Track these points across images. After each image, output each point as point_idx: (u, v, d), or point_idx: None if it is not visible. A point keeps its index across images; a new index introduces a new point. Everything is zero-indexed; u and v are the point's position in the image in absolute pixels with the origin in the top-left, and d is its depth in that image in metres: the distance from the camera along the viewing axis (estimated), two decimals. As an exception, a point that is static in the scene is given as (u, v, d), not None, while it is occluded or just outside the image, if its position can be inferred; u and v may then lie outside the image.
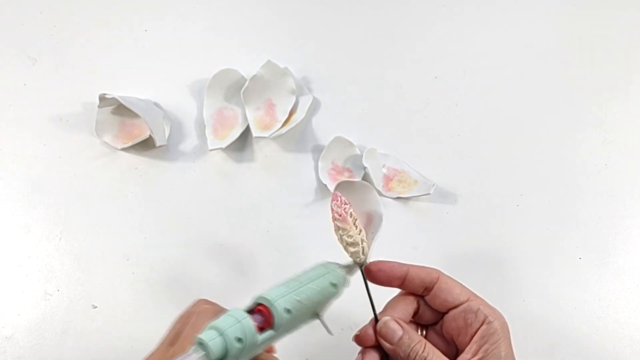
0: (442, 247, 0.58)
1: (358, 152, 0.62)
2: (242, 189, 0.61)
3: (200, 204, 0.60)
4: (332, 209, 0.41)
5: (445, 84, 0.66)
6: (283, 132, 0.61)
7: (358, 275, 0.42)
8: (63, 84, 0.65)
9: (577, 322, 0.55)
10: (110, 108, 0.62)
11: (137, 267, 0.57)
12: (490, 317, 0.39)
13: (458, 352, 0.40)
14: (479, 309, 0.39)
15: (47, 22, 0.68)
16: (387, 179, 0.62)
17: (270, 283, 0.38)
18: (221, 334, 0.34)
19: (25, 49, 0.67)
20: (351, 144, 0.62)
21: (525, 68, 0.67)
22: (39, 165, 0.61)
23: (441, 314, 0.41)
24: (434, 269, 0.41)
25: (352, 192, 0.42)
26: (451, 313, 0.40)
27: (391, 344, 0.39)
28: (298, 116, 0.62)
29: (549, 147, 0.63)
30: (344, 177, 0.61)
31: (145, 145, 0.62)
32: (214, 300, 0.44)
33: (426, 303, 0.42)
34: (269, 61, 0.63)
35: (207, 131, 0.62)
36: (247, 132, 0.63)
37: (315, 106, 0.65)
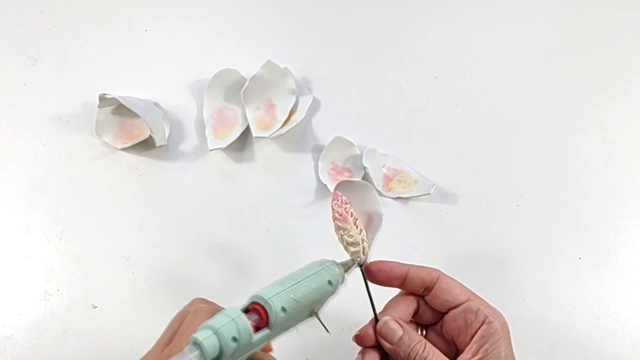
0: (442, 247, 0.58)
1: (358, 152, 0.62)
2: (242, 189, 0.61)
3: (200, 204, 0.60)
4: (332, 209, 0.41)
5: (445, 84, 0.66)
6: (283, 132, 0.61)
7: (358, 275, 0.42)
8: (63, 84, 0.65)
9: (577, 322, 0.55)
10: (110, 108, 0.62)
11: (137, 267, 0.57)
12: (490, 317, 0.39)
13: (458, 352, 0.40)
14: (479, 309, 0.39)
15: (47, 22, 0.68)
16: (387, 179, 0.62)
17: (270, 282, 0.38)
18: (216, 333, 0.33)
19: (25, 49, 0.67)
20: (351, 144, 0.62)
21: (525, 68, 0.67)
22: (39, 165, 0.61)
23: (441, 314, 0.41)
24: (434, 269, 0.41)
25: (352, 191, 0.42)
26: (451, 313, 0.40)
27: (391, 343, 0.39)
28: (298, 116, 0.62)
29: (549, 147, 0.63)
30: (344, 177, 0.61)
31: (145, 145, 0.62)
32: (213, 300, 0.44)
33: (426, 303, 0.42)
34: (269, 61, 0.63)
35: (207, 131, 0.62)
36: (247, 132, 0.63)
37: (315, 106, 0.65)
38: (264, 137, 0.61)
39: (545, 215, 0.60)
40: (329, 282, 0.39)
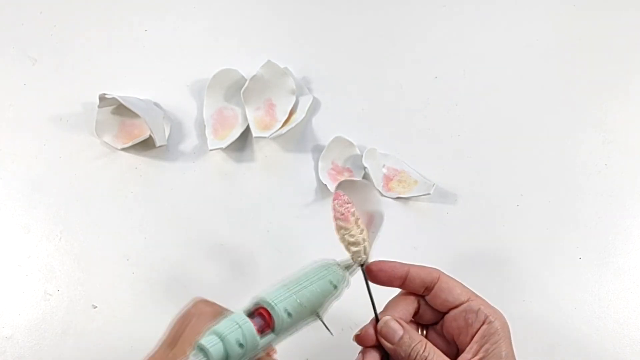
0: (442, 247, 0.58)
1: (358, 152, 0.62)
2: (242, 189, 0.61)
3: (200, 204, 0.60)
4: (334, 208, 0.41)
5: (445, 84, 0.66)
6: (283, 132, 0.61)
7: (358, 275, 0.42)
8: (63, 84, 0.65)
9: (577, 322, 0.55)
10: (110, 108, 0.62)
11: (137, 267, 0.57)
12: (490, 317, 0.39)
13: (458, 352, 0.40)
14: (479, 308, 0.39)
15: (47, 22, 0.68)
16: (387, 179, 0.62)
17: (270, 283, 0.38)
18: (222, 339, 0.33)
19: (25, 49, 0.67)
20: (351, 144, 0.62)
21: (525, 68, 0.67)
22: (39, 165, 0.61)
23: (442, 314, 0.41)
24: (434, 268, 0.41)
25: (353, 191, 0.42)
26: (452, 313, 0.40)
27: (392, 343, 0.39)
28: (298, 116, 0.62)
29: (549, 147, 0.63)
30: (344, 177, 0.61)
31: (145, 145, 0.62)
32: (214, 300, 0.44)
33: (427, 303, 0.42)
34: (269, 61, 0.63)
35: (207, 131, 0.62)
36: (247, 132, 0.63)
37: (315, 106, 0.65)
38: (264, 137, 0.61)
39: (545, 215, 0.60)
40: (334, 286, 0.39)
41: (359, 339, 0.41)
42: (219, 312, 0.40)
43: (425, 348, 0.38)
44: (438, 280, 0.41)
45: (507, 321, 0.40)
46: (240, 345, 0.34)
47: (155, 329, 0.42)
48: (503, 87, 0.66)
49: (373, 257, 0.42)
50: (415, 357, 0.38)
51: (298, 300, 0.37)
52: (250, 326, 0.35)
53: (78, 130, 0.63)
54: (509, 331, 0.39)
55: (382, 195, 0.60)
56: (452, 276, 0.41)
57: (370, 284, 0.42)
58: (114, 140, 0.62)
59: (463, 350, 0.39)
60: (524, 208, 0.60)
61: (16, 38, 0.67)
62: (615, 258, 0.58)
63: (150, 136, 0.60)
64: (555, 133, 0.64)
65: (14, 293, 0.56)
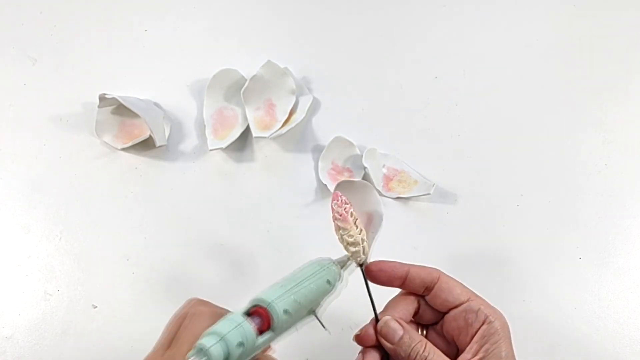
0: (442, 247, 0.58)
1: (358, 152, 0.62)
2: (242, 189, 0.61)
3: (200, 204, 0.60)
4: (332, 209, 0.41)
5: (445, 84, 0.66)
6: (283, 132, 0.61)
7: (358, 275, 0.42)
8: (63, 84, 0.65)
9: (577, 322, 0.55)
10: (110, 108, 0.62)
11: (137, 267, 0.57)
12: (490, 317, 0.39)
13: (458, 352, 0.40)
14: (479, 308, 0.39)
15: (47, 22, 0.68)
16: (387, 179, 0.62)
17: (270, 283, 0.38)
18: (222, 339, 0.33)
19: (25, 49, 0.67)
20: (351, 144, 0.62)
21: (525, 68, 0.67)
22: (39, 165, 0.61)
23: (442, 314, 0.41)
24: (434, 268, 0.41)
25: (352, 191, 0.42)
26: (452, 313, 0.40)
27: (392, 343, 0.39)
28: (298, 116, 0.62)
29: (549, 147, 0.63)
30: (344, 177, 0.61)
31: (145, 145, 0.62)
32: (213, 300, 0.44)
33: (427, 303, 0.42)
34: (269, 61, 0.63)
35: (207, 131, 0.62)
36: (247, 132, 0.63)
37: (315, 106, 0.65)
38: (264, 137, 0.61)
39: (545, 215, 0.60)
40: (328, 282, 0.39)
41: (359, 339, 0.41)
42: (215, 312, 0.40)
43: (425, 348, 0.38)
44: (438, 280, 0.41)
45: (507, 321, 0.40)
46: (240, 344, 0.34)
47: (155, 329, 0.42)
48: (503, 87, 0.66)
49: (373, 257, 0.42)
50: (415, 357, 0.38)
51: (295, 298, 0.37)
52: (248, 326, 0.35)
53: (78, 130, 0.63)
54: (509, 331, 0.39)
55: (382, 195, 0.60)
56: (452, 276, 0.41)
57: (370, 284, 0.42)
58: (114, 140, 0.62)
59: (463, 350, 0.39)
60: (524, 208, 0.60)
61: (16, 38, 0.67)
62: (615, 258, 0.58)
63: (150, 136, 0.60)
64: (555, 133, 0.64)
65: (14, 293, 0.56)
